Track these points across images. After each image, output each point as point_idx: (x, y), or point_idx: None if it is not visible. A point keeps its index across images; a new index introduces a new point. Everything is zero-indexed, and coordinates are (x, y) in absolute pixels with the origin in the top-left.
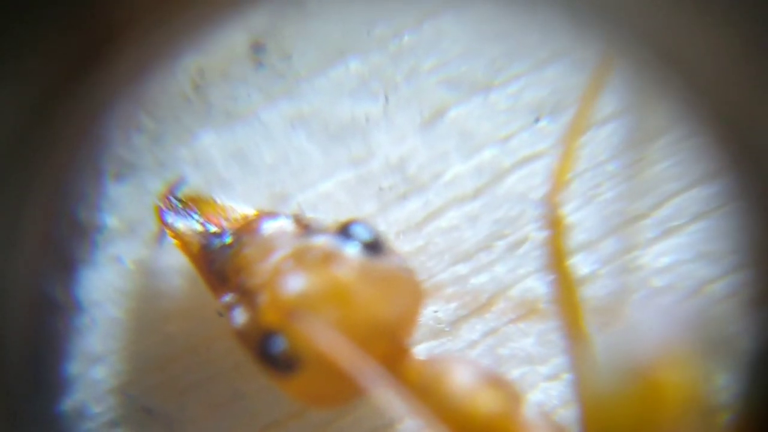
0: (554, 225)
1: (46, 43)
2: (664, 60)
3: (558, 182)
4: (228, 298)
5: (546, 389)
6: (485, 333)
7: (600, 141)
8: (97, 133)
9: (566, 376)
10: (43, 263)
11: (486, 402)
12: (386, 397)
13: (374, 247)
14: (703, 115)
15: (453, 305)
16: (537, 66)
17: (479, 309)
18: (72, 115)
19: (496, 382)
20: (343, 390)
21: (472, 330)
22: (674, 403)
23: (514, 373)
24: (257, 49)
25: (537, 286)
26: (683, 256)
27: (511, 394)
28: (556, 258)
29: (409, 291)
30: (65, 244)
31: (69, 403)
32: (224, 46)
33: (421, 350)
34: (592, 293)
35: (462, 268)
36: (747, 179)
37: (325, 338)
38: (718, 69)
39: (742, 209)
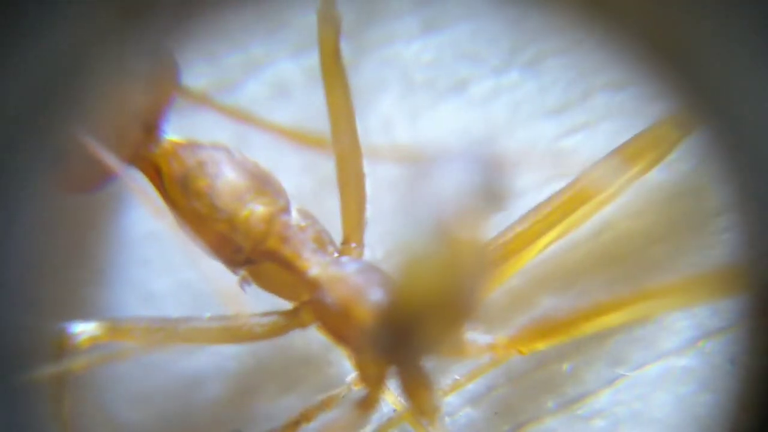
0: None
1: None
2: None
3: None
4: None
5: (298, 183)
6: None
7: None
8: None
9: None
10: None
11: (243, 195)
12: (133, 183)
13: None
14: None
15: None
16: None
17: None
18: None
19: (258, 175)
20: (93, 175)
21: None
22: (468, 252)
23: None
24: None
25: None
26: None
27: (275, 190)
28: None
29: (162, 76)
30: None
31: None
32: None
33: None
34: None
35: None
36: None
37: (79, 132)
38: None
39: None
